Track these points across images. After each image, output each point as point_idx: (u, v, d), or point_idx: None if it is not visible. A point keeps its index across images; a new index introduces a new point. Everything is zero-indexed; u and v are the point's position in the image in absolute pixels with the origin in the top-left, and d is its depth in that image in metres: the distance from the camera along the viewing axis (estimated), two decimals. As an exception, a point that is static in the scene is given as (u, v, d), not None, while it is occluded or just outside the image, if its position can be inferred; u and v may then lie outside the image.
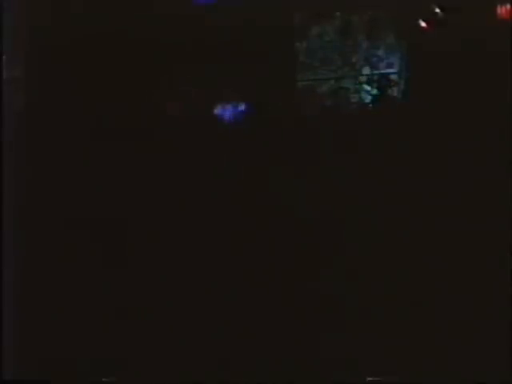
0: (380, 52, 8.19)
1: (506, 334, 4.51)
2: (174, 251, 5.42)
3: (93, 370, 4.72)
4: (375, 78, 8.08)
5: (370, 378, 4.61)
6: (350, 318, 4.96)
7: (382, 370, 4.64)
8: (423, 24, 6.82)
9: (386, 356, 4.71)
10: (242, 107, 7.58)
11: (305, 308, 5.05)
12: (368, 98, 7.97)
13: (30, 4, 5.91)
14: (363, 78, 8.27)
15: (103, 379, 4.56)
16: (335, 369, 4.63)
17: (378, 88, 7.96)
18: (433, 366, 4.53)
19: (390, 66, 8.15)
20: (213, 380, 4.63)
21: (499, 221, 5.14)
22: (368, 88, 8.07)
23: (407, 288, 5.15)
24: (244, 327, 4.96)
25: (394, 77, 7.85)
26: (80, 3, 6.28)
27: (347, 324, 4.95)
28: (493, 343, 4.53)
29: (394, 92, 7.77)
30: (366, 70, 8.31)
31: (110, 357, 4.80)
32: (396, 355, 4.67)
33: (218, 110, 7.33)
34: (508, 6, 6.11)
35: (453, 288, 5.01)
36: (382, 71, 8.15)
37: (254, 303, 5.12)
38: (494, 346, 4.51)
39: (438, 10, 6.62)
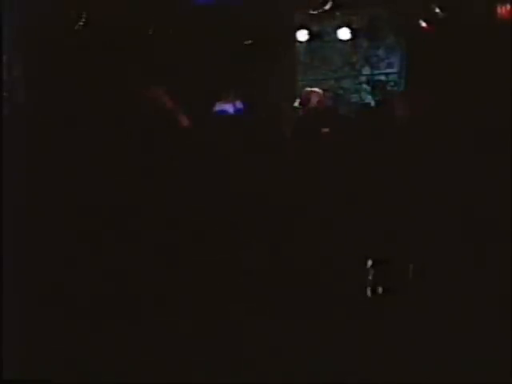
0: (380, 52, 8.19)
1: (506, 334, 4.52)
2: (174, 250, 5.42)
3: (93, 370, 4.72)
4: (375, 78, 8.08)
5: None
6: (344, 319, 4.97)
7: (382, 370, 4.65)
8: (423, 24, 6.82)
9: (385, 356, 4.71)
10: (241, 107, 7.59)
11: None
12: (368, 98, 7.97)
13: (29, 4, 5.91)
14: (363, 78, 8.28)
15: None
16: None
17: (377, 88, 7.96)
18: (433, 367, 4.53)
19: (390, 65, 8.15)
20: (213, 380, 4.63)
21: (499, 219, 5.14)
22: (368, 88, 8.07)
23: (408, 287, 5.16)
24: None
25: (393, 77, 7.86)
26: (80, 4, 6.29)
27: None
28: (493, 343, 4.53)
29: (394, 92, 7.77)
30: (366, 70, 8.32)
31: (110, 357, 4.80)
32: (395, 355, 4.67)
33: (217, 110, 7.34)
34: (508, 6, 6.12)
35: (453, 288, 5.01)
36: (382, 71, 8.16)
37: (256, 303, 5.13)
38: (494, 346, 4.51)
39: (438, 10, 6.62)
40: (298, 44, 8.05)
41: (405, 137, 5.80)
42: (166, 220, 5.54)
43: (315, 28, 7.91)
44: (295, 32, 7.78)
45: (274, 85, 7.47)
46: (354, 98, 8.11)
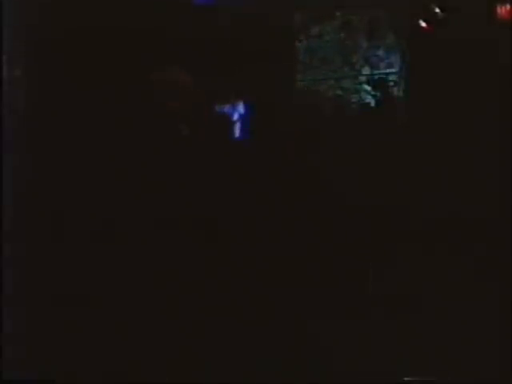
0: (380, 52, 8.19)
1: (506, 334, 4.52)
2: (174, 251, 5.42)
3: (93, 370, 4.72)
4: (375, 78, 8.09)
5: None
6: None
7: (382, 369, 4.64)
8: (423, 24, 6.82)
9: (385, 355, 4.71)
10: (241, 107, 7.59)
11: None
12: (368, 98, 7.98)
13: (29, 4, 5.91)
14: (363, 78, 8.28)
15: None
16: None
17: (377, 88, 7.97)
18: (433, 366, 4.53)
19: (389, 65, 8.16)
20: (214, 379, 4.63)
21: (499, 220, 5.14)
22: (368, 88, 8.07)
23: (409, 287, 5.16)
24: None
25: (393, 77, 7.86)
26: (80, 3, 6.28)
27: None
28: (493, 343, 4.53)
29: (394, 92, 7.78)
30: (366, 70, 8.32)
31: (110, 357, 4.80)
32: (395, 355, 4.67)
33: (217, 110, 7.34)
34: (508, 6, 6.12)
35: (453, 287, 5.01)
36: (382, 71, 8.16)
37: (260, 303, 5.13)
38: (494, 346, 4.51)
39: (437, 10, 6.62)
40: (297, 44, 8.06)
41: (405, 137, 5.81)
42: (165, 220, 5.54)
43: (315, 28, 7.92)
44: (295, 32, 7.78)
45: (273, 84, 7.47)
46: (354, 98, 8.12)
